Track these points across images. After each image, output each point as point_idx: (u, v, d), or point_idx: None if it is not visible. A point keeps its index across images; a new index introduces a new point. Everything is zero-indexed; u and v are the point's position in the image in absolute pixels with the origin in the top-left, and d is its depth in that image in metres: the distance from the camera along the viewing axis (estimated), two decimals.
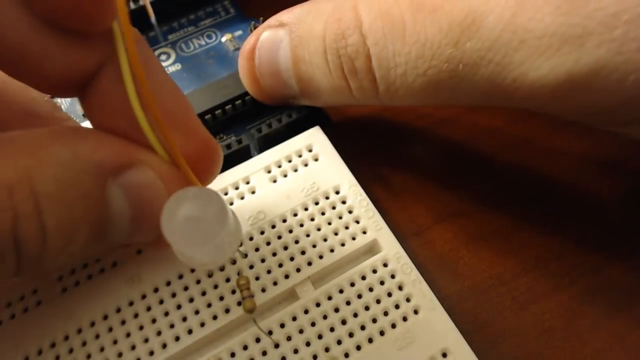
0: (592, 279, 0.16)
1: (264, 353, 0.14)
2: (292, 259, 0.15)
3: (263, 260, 0.15)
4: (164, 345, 0.14)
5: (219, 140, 0.19)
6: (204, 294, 0.14)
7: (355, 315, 0.14)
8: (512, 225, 0.17)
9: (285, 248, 0.15)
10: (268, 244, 0.15)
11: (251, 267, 0.15)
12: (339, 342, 0.14)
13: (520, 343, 0.15)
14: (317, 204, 0.16)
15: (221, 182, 0.16)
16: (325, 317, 0.14)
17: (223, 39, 0.21)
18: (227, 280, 0.15)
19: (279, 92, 0.16)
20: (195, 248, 0.11)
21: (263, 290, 0.14)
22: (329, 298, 0.14)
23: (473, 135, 0.19)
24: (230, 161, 0.17)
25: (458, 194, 0.18)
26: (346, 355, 0.14)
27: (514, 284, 0.16)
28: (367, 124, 0.20)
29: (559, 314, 0.16)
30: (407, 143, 0.19)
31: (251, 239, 0.15)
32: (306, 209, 0.16)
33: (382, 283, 0.15)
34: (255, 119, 0.19)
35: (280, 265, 0.15)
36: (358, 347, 0.14)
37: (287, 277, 0.15)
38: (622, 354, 0.15)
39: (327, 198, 0.16)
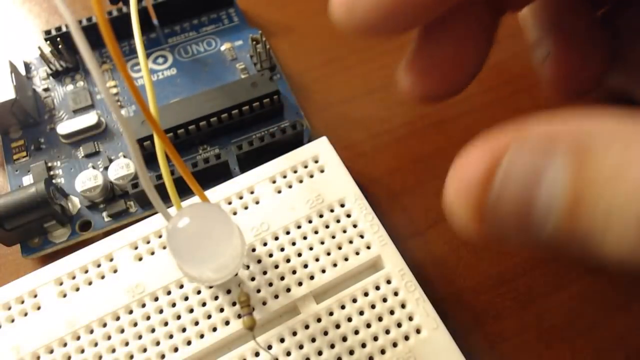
0: (592, 279, 0.16)
1: None
2: (294, 272, 0.15)
3: (265, 273, 0.15)
4: (162, 356, 0.14)
5: (202, 151, 0.18)
6: (204, 304, 0.14)
7: (356, 332, 0.14)
8: None
9: (288, 261, 0.15)
10: (270, 255, 0.15)
11: (253, 279, 0.15)
12: None
13: (520, 343, 0.15)
14: (321, 216, 0.15)
15: (226, 191, 0.16)
16: (325, 333, 0.14)
17: (222, 48, 0.21)
18: (228, 291, 0.14)
19: (513, 234, 0.11)
20: (200, 265, 0.11)
21: (264, 303, 0.14)
22: (330, 314, 0.14)
23: (473, 135, 0.19)
24: (209, 176, 0.16)
25: None
26: None
27: (514, 284, 0.16)
28: (366, 125, 0.20)
29: (559, 314, 0.16)
30: (407, 143, 0.19)
31: (253, 250, 0.15)
32: (310, 222, 0.15)
33: (384, 300, 0.14)
34: (242, 133, 0.19)
35: (282, 279, 0.15)
36: None
37: (288, 290, 0.14)
38: (622, 354, 0.15)
39: (332, 211, 0.16)
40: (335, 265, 0.15)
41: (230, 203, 0.16)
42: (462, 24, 0.15)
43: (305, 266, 0.15)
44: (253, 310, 0.14)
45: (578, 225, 0.09)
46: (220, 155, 0.17)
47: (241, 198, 0.16)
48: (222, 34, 0.21)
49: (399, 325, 0.14)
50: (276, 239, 0.15)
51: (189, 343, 0.14)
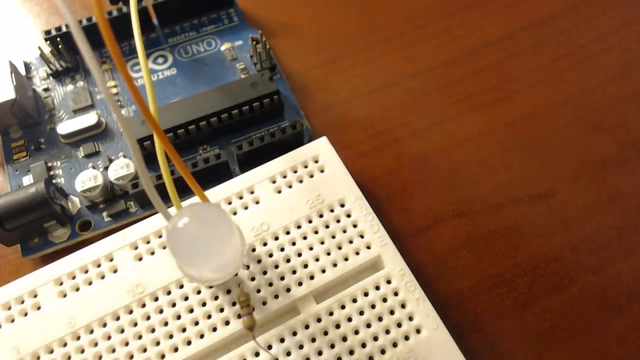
0: (592, 279, 0.16)
1: None
2: (294, 272, 0.15)
3: (265, 273, 0.15)
4: (162, 356, 0.14)
5: (202, 151, 0.18)
6: (204, 304, 0.14)
7: (356, 332, 0.14)
8: (512, 225, 0.17)
9: (288, 261, 0.15)
10: (270, 255, 0.15)
11: (252, 279, 0.15)
12: None
13: (520, 343, 0.15)
14: (321, 216, 0.15)
15: (226, 191, 0.16)
16: (325, 333, 0.14)
17: (222, 48, 0.21)
18: (228, 291, 0.14)
19: None
20: (200, 265, 0.11)
21: (264, 303, 0.14)
22: (330, 314, 0.14)
23: (473, 136, 0.19)
24: (210, 176, 0.16)
25: (458, 194, 0.18)
26: None
27: (514, 284, 0.16)
28: (366, 125, 0.20)
29: (559, 314, 0.16)
30: (407, 143, 0.19)
31: (253, 250, 0.15)
32: (310, 222, 0.15)
33: (384, 300, 0.14)
34: (242, 133, 0.19)
35: (282, 279, 0.15)
36: None
37: (288, 290, 0.14)
38: (622, 354, 0.15)
39: (332, 211, 0.16)
40: (335, 265, 0.15)
41: (230, 203, 0.16)
42: None
43: (305, 266, 0.15)
44: (253, 310, 0.14)
45: None
46: (220, 155, 0.17)
47: (241, 198, 0.16)
48: (222, 34, 0.21)
49: (399, 325, 0.14)
50: (276, 239, 0.15)
51: (189, 343, 0.14)
